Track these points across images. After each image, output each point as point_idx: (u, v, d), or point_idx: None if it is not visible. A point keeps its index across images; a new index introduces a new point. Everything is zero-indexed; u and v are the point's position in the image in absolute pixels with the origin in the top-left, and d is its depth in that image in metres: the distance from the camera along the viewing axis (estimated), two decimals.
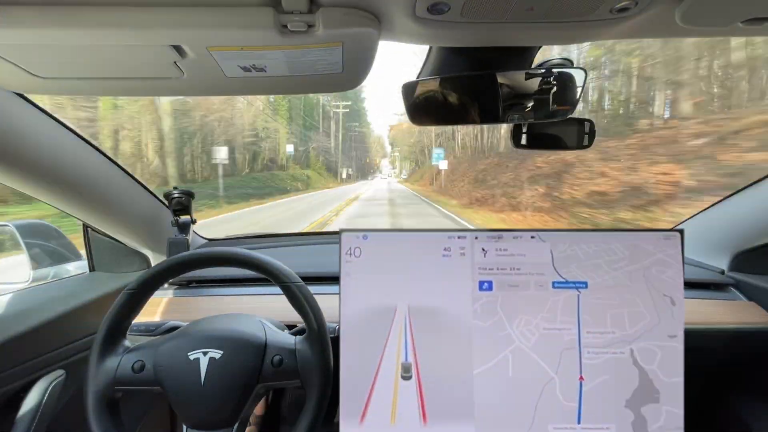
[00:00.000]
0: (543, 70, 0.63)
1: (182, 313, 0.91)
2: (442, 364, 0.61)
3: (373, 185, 37.72)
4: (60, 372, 0.78)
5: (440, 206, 13.88)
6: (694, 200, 5.86)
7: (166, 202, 1.01)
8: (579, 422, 0.60)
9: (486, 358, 0.61)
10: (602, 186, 8.01)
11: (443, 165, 19.89)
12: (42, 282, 0.94)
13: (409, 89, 0.65)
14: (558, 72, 0.63)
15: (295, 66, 0.51)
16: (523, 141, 0.76)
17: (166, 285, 1.01)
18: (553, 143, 0.78)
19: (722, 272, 0.96)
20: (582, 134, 0.74)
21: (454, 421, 0.60)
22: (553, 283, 0.61)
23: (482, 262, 0.62)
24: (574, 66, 0.63)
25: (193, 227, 1.06)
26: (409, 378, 0.61)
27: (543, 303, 0.62)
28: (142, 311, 0.65)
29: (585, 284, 0.61)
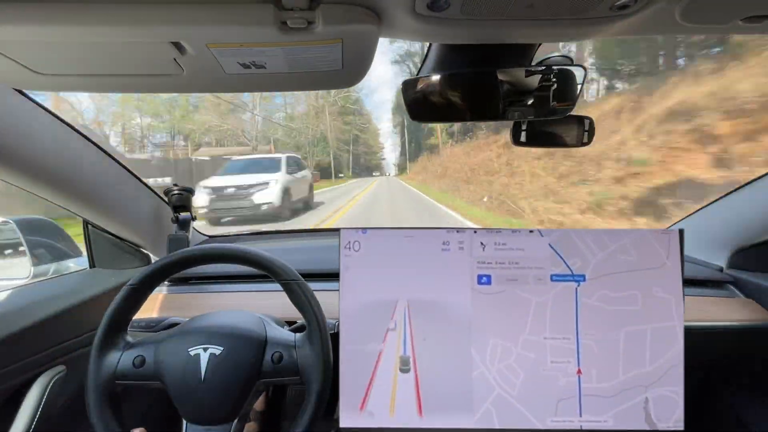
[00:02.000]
0: (543, 68, 0.63)
1: (181, 309, 0.92)
2: (441, 357, 0.61)
3: None
4: (61, 368, 0.78)
5: None
6: None
7: (166, 199, 1.01)
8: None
9: (484, 336, 0.62)
10: None
11: None
12: (42, 278, 0.94)
13: (409, 86, 0.65)
14: (558, 69, 0.63)
15: (295, 63, 0.51)
16: (523, 138, 0.77)
17: (166, 281, 1.01)
18: (553, 140, 0.78)
19: (720, 269, 0.97)
20: (581, 131, 0.74)
21: (452, 413, 0.61)
22: (552, 276, 0.62)
23: (481, 256, 0.62)
24: (574, 63, 0.63)
25: (193, 224, 1.06)
26: (407, 371, 0.61)
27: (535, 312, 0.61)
28: (142, 307, 0.66)
29: (583, 277, 0.62)
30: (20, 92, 0.66)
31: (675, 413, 0.60)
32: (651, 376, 0.60)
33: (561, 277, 0.61)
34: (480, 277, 0.62)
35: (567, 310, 0.61)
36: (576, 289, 0.61)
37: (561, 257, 0.61)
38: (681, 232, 0.62)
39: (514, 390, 0.60)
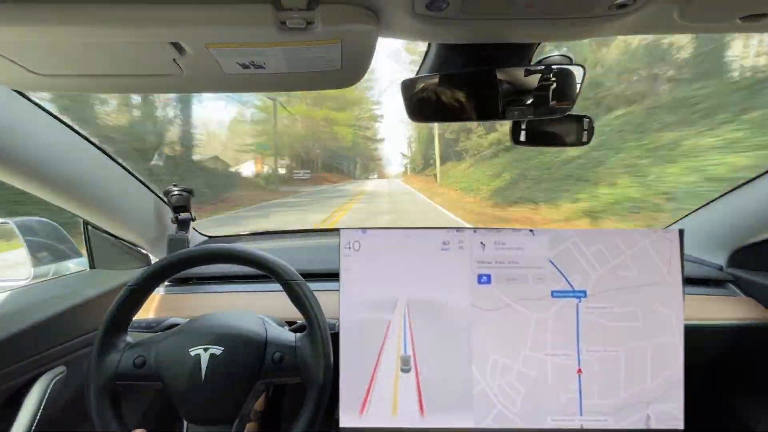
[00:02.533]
0: (542, 67, 0.63)
1: (182, 310, 0.92)
2: (441, 357, 0.61)
3: None
4: (61, 369, 0.78)
5: None
6: None
7: (166, 199, 1.01)
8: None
9: (485, 352, 0.62)
10: None
11: None
12: (42, 279, 0.94)
13: (408, 86, 0.65)
14: (557, 69, 0.63)
15: (294, 63, 0.51)
16: (522, 138, 0.76)
17: (166, 282, 1.01)
18: (552, 140, 0.78)
19: (720, 268, 0.97)
20: (581, 131, 0.74)
21: (452, 412, 0.61)
22: (552, 292, 0.61)
23: (481, 256, 0.63)
24: (573, 63, 0.63)
25: (193, 224, 1.06)
26: (408, 370, 0.61)
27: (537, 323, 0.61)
28: (142, 308, 0.66)
29: (584, 293, 0.61)
30: (19, 93, 0.66)
31: (676, 424, 0.60)
32: (652, 392, 0.60)
33: (562, 293, 0.61)
34: (480, 276, 0.62)
35: (568, 327, 0.61)
36: (577, 305, 0.61)
37: (562, 273, 0.61)
38: (681, 232, 0.62)
39: (515, 407, 0.60)
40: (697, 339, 0.82)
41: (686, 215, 1.07)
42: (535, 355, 0.61)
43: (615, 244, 0.62)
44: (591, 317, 0.61)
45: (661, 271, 0.61)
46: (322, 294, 0.67)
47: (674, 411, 0.60)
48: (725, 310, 0.87)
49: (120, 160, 0.88)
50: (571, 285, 0.61)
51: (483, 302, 0.62)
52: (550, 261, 0.61)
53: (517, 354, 0.61)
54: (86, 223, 0.94)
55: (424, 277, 0.62)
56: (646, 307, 0.61)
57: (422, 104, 0.67)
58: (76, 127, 0.77)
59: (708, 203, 1.01)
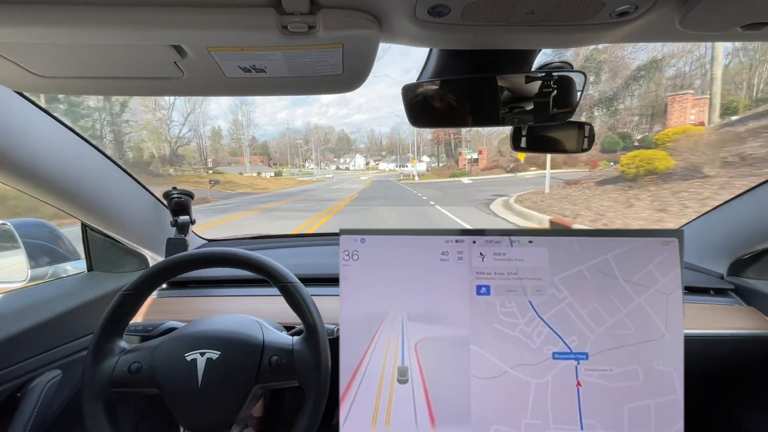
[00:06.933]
0: (543, 74, 0.63)
1: (180, 313, 0.91)
2: (439, 369, 0.61)
3: None
4: (56, 372, 0.78)
5: None
6: None
7: (165, 202, 1.01)
8: (582, 428, 0.59)
9: (483, 365, 0.61)
10: None
11: None
12: (40, 281, 0.93)
13: (409, 91, 0.65)
14: (558, 75, 0.63)
15: (295, 67, 0.51)
16: (523, 144, 0.76)
17: (164, 285, 1.01)
18: (553, 146, 0.78)
19: (721, 277, 0.96)
20: (582, 137, 0.74)
21: (450, 425, 0.60)
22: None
23: (480, 267, 0.62)
24: (574, 69, 0.63)
25: (192, 228, 1.05)
26: (405, 382, 0.60)
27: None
28: (139, 311, 0.65)
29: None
30: (20, 94, 0.66)
31: None
32: None
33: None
34: (479, 287, 0.62)
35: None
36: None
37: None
38: (681, 235, 0.61)
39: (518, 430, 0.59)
40: (697, 349, 0.82)
41: (687, 223, 1.06)
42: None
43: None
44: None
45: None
46: (322, 299, 0.67)
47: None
48: (726, 319, 0.86)
49: (120, 163, 0.88)
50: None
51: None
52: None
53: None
54: (85, 226, 0.94)
55: (423, 288, 0.62)
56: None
57: (423, 109, 0.67)
58: (77, 130, 0.77)
59: (709, 211, 1.00)
